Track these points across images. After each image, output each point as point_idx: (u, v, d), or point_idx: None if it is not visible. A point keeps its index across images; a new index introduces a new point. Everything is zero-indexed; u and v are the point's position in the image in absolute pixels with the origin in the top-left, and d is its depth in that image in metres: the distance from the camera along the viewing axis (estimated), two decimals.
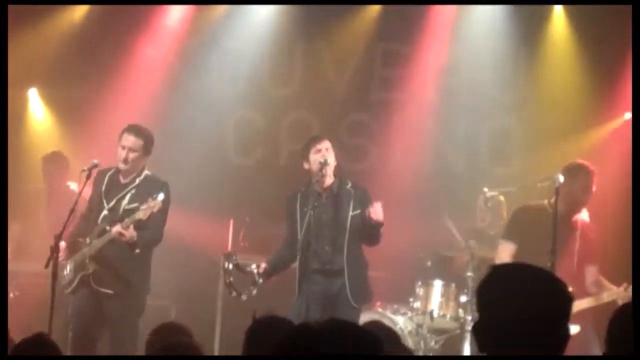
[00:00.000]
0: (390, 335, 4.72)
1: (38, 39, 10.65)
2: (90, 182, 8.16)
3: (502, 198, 9.84)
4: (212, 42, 11.11)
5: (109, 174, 8.27)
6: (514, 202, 9.47)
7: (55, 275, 7.56)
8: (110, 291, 8.10)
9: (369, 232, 8.07)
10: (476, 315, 3.13)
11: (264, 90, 11.22)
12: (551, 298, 3.03)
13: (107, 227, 8.06)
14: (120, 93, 10.80)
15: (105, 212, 8.18)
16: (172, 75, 11.10)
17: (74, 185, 9.80)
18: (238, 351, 4.50)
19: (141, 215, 7.83)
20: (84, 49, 10.84)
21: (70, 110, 10.94)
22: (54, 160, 10.20)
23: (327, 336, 2.60)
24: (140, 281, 8.26)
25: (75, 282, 8.18)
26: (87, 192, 8.33)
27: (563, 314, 3.05)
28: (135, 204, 8.04)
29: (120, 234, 7.90)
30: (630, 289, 8.19)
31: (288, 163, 11.07)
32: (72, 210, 7.85)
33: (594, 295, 8.33)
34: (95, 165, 8.10)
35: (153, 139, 8.23)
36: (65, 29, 10.86)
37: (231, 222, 10.33)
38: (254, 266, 8.01)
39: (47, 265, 7.64)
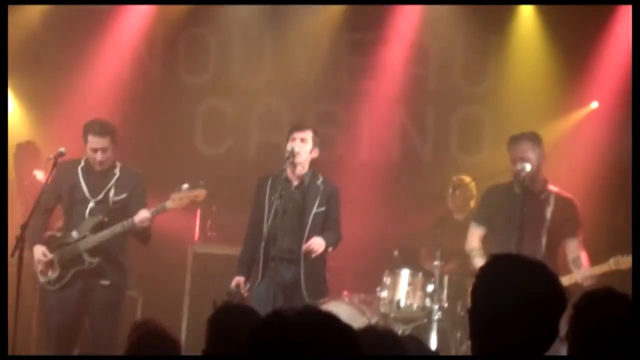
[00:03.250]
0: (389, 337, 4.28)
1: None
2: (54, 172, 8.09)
3: (472, 184, 9.77)
4: (180, 30, 11.07)
5: (80, 166, 8.20)
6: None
7: (20, 265, 7.49)
8: (107, 282, 8.12)
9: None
10: (468, 302, 3.19)
11: (232, 80, 11.19)
12: (544, 295, 3.05)
13: (105, 219, 8.04)
14: (89, 83, 10.76)
15: (91, 204, 8.15)
16: (140, 64, 11.06)
17: (40, 175, 9.78)
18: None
19: (171, 205, 7.96)
20: (51, 40, 10.78)
21: (39, 100, 10.88)
22: (25, 150, 10.14)
23: (304, 326, 2.52)
24: (128, 271, 8.34)
25: (68, 277, 8.13)
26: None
27: (555, 313, 3.07)
28: (124, 195, 8.11)
29: (150, 220, 7.96)
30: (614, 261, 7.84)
31: (257, 153, 11.06)
32: (38, 201, 7.82)
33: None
34: (62, 154, 8.02)
35: (116, 128, 8.22)
36: (33, 19, 10.78)
37: (198, 211, 10.31)
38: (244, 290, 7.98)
39: (12, 255, 7.59)
